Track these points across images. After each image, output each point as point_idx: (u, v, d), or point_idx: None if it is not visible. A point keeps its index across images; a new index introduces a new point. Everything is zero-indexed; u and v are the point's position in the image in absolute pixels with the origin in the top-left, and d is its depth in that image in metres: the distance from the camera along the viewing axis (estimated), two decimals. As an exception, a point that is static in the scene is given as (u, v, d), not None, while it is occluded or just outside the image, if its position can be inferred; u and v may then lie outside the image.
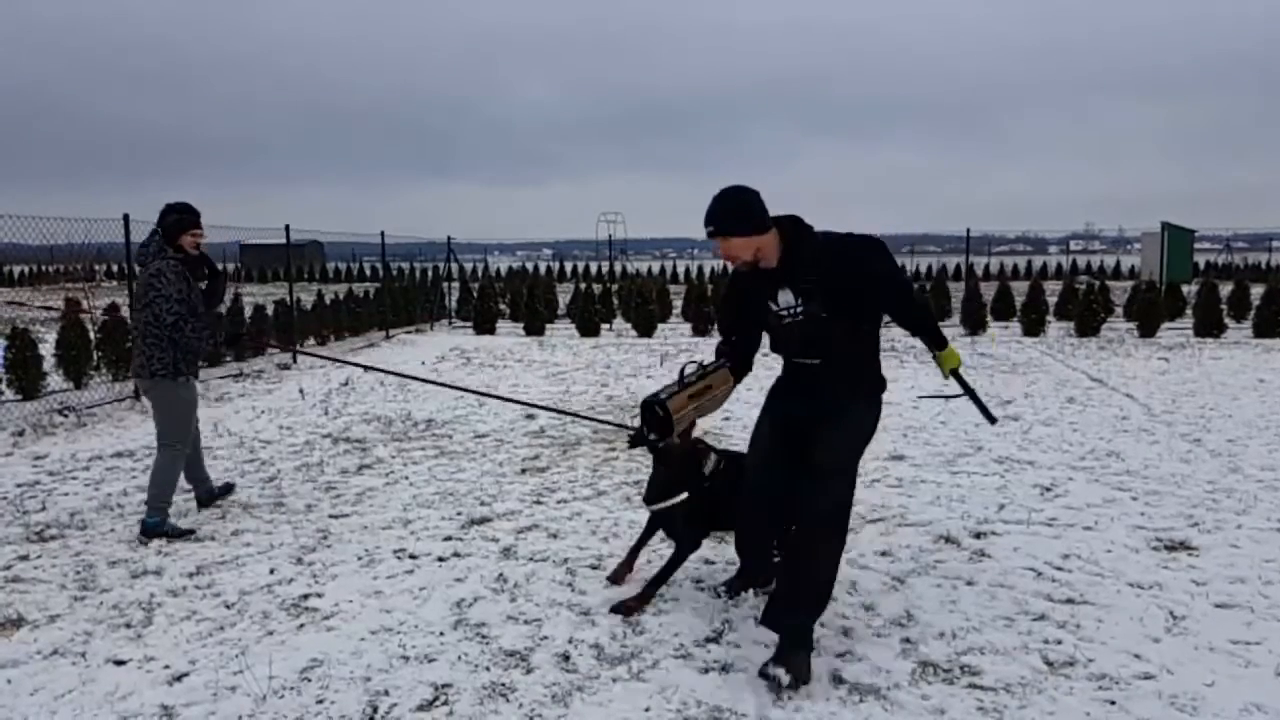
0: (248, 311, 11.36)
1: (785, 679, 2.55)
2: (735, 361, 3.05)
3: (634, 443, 3.10)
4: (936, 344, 2.94)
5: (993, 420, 3.10)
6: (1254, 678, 2.68)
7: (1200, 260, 28.79)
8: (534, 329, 14.14)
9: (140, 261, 4.30)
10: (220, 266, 4.72)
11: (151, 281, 4.12)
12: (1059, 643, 2.92)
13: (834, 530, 2.75)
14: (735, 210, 2.72)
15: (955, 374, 3.01)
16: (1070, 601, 3.25)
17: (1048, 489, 4.76)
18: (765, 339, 3.04)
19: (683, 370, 3.02)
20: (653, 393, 2.97)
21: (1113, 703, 2.54)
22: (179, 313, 4.11)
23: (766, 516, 3.02)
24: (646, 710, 2.51)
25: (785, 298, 2.79)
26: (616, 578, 3.45)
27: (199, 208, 4.31)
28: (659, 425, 2.96)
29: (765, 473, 2.98)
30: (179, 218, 4.21)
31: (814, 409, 2.82)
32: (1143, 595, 3.30)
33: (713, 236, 2.76)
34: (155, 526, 4.14)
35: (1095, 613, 3.14)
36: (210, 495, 4.66)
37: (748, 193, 2.77)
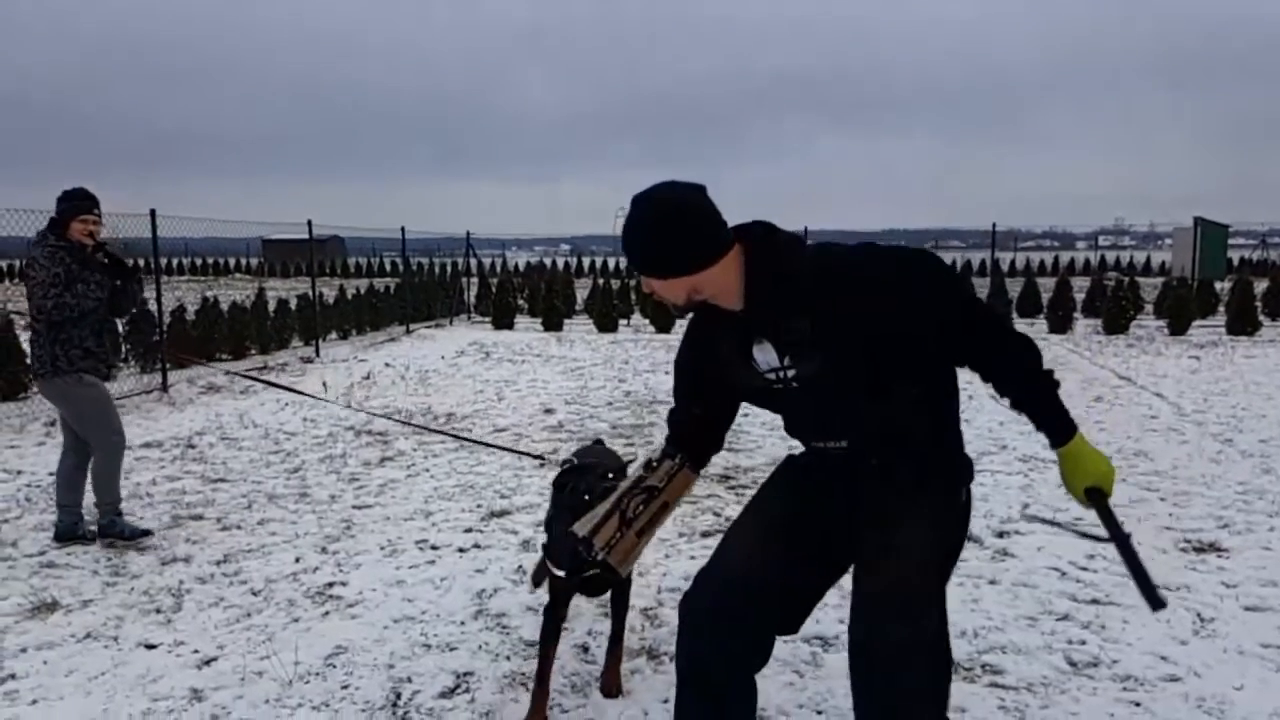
0: (271, 305, 11.49)
1: None
2: (698, 447, 1.98)
3: (539, 582, 2.26)
4: (1056, 431, 1.71)
5: (1157, 604, 1.65)
6: (1284, 681, 2.63)
7: (1234, 256, 28.21)
8: (552, 324, 14.18)
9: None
10: (133, 262, 4.29)
11: (27, 273, 3.79)
12: (1083, 643, 2.88)
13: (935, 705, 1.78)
14: (667, 240, 1.64)
15: (1095, 497, 1.69)
16: (1095, 602, 3.21)
17: (1073, 488, 4.70)
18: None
19: (630, 488, 1.95)
20: (585, 534, 1.92)
21: (1137, 704, 2.51)
22: (58, 294, 3.68)
23: (729, 638, 1.79)
24: (665, 701, 2.52)
25: (765, 355, 1.76)
26: None
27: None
28: (590, 567, 2.01)
29: (750, 563, 1.81)
30: (69, 204, 3.82)
31: (852, 509, 1.80)
32: (1170, 597, 3.25)
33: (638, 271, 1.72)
34: (107, 528, 3.93)
35: (1120, 614, 3.10)
36: (72, 531, 3.95)
37: (684, 206, 1.65)
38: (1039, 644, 2.88)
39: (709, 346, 1.85)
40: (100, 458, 3.96)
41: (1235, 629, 2.97)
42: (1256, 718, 2.44)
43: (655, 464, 2.00)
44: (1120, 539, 1.68)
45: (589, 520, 1.95)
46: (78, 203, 3.85)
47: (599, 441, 3.25)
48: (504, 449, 3.19)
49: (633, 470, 2.03)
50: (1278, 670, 2.70)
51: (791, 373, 1.75)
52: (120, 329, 8.86)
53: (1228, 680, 2.63)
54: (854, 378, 1.70)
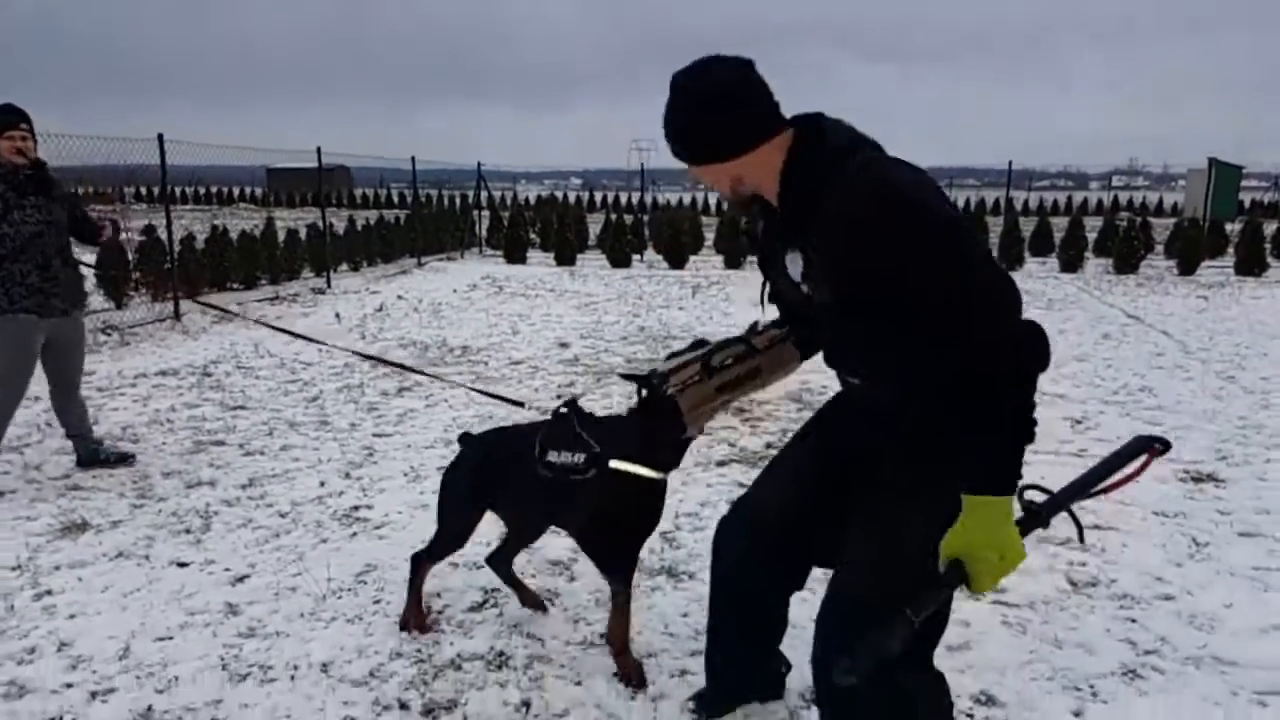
0: (281, 236, 11.43)
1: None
2: (806, 334, 1.83)
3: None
4: (978, 468, 1.38)
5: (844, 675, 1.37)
6: (1272, 601, 2.75)
7: (1246, 198, 27.75)
8: (565, 259, 14.11)
9: None
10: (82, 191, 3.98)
11: None
12: (1083, 565, 3.00)
13: None
14: (702, 124, 1.50)
15: (952, 569, 1.40)
16: (1096, 528, 3.31)
17: (1078, 422, 4.79)
18: None
19: (726, 341, 1.83)
20: (660, 370, 1.81)
21: (1133, 620, 2.64)
22: None
23: (760, 582, 1.85)
24: (685, 615, 2.65)
25: (795, 266, 1.58)
26: None
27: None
28: (659, 414, 1.83)
29: (773, 512, 1.79)
30: None
31: (859, 453, 1.63)
32: (1167, 523, 3.36)
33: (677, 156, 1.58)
34: None
35: (1120, 538, 3.21)
36: (94, 456, 3.96)
37: (723, 86, 1.48)
38: (1042, 565, 2.99)
39: (766, 244, 1.67)
40: None
41: (1228, 553, 3.09)
42: (1245, 634, 2.55)
43: (760, 329, 1.84)
44: (905, 619, 1.32)
45: (673, 360, 1.80)
46: (2, 118, 3.45)
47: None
48: (482, 392, 3.23)
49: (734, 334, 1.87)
50: (1266, 590, 2.82)
51: (807, 287, 1.57)
52: (130, 258, 8.91)
53: (1219, 599, 2.75)
54: (859, 319, 1.48)
